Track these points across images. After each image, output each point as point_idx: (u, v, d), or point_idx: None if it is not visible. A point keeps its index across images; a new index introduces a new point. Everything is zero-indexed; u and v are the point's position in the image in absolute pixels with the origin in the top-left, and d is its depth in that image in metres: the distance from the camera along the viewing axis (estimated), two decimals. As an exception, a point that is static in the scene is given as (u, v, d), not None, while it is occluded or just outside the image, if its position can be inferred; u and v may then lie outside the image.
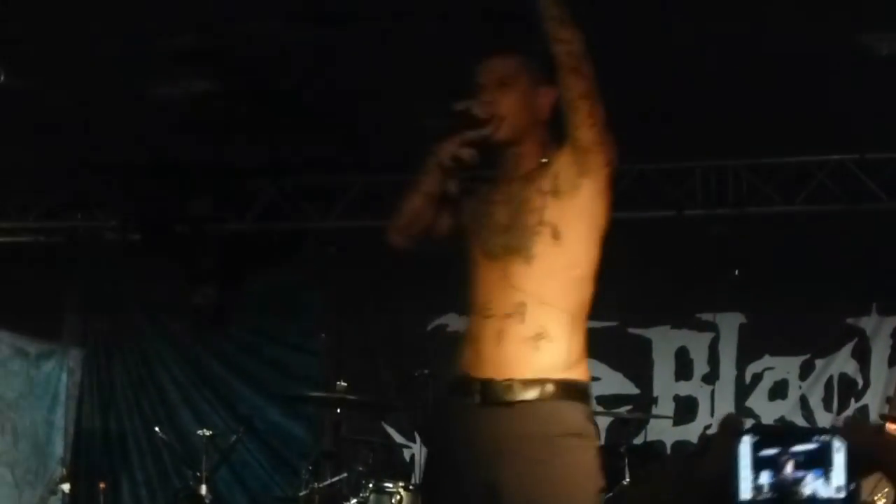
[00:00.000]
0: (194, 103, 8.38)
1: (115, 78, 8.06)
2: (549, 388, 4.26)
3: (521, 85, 4.52)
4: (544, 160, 4.44)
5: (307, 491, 8.12)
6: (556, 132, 4.41)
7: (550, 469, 4.20)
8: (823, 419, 8.81)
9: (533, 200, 4.40)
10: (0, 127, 8.63)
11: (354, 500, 7.78)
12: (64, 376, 9.97)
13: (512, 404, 4.32)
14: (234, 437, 9.22)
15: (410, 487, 7.82)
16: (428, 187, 4.47)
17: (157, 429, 9.56)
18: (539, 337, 4.34)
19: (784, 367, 9.07)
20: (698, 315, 9.30)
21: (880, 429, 7.42)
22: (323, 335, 9.67)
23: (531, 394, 4.25)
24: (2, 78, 8.00)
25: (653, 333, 9.45)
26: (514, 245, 4.43)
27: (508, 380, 4.30)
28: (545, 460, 4.21)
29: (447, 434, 4.60)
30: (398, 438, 9.44)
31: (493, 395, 4.35)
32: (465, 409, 4.41)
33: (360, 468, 8.22)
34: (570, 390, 4.30)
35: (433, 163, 4.41)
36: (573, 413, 4.25)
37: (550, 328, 4.32)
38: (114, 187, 9.91)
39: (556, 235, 4.35)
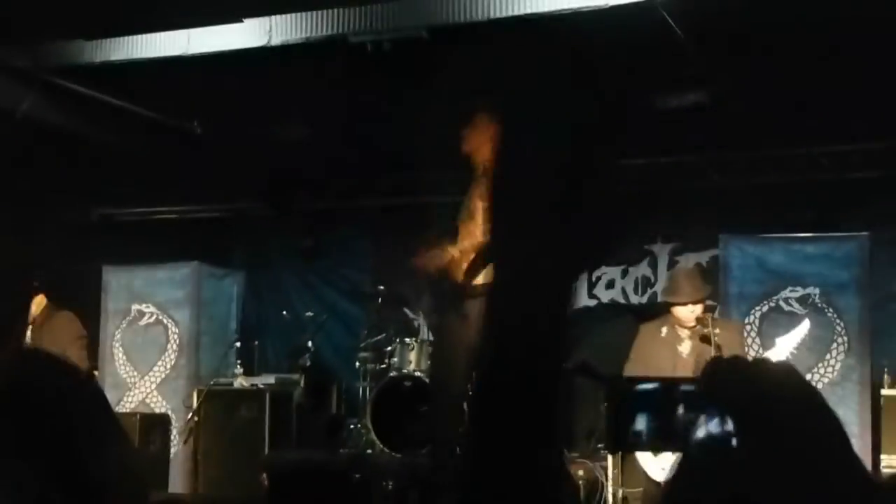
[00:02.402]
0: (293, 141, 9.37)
1: (253, 126, 9.07)
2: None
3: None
4: None
5: (364, 343, 9.29)
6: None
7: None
8: (634, 299, 9.78)
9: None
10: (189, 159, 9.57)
11: (389, 348, 8.88)
12: (235, 287, 10.52)
13: (476, 297, 5.60)
14: (324, 317, 10.12)
15: (418, 341, 8.81)
16: None
17: (284, 312, 10.41)
18: None
19: (612, 272, 9.88)
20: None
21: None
22: (371, 261, 10.53)
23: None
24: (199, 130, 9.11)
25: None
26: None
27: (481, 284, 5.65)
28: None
29: (445, 316, 6.21)
30: (412, 315, 10.12)
31: (470, 292, 5.69)
32: (456, 300, 5.83)
33: (392, 331, 9.24)
34: None
35: None
36: None
37: None
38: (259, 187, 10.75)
39: None
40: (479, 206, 5.71)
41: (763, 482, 1.71)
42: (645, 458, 7.26)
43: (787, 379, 1.85)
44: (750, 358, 2.00)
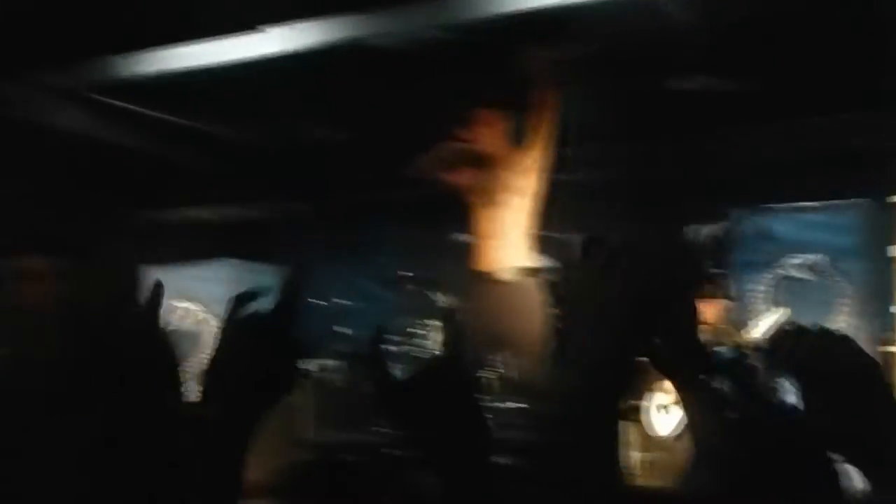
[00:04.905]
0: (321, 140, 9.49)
1: (283, 129, 9.26)
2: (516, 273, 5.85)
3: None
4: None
5: (395, 328, 8.71)
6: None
7: (521, 307, 5.69)
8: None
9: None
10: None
11: (411, 330, 8.64)
12: (274, 282, 10.30)
13: (496, 283, 5.94)
14: (359, 305, 10.12)
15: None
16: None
17: (321, 302, 9.83)
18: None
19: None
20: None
21: None
22: (398, 249, 10.39)
23: (510, 274, 5.87)
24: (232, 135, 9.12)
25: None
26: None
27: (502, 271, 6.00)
28: (521, 304, 5.64)
29: (474, 297, 6.20)
30: (435, 299, 9.22)
31: (493, 277, 5.95)
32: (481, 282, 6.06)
33: (419, 314, 8.88)
34: (528, 270, 5.85)
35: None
36: (530, 282, 5.77)
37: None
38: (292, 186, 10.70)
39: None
40: (504, 196, 5.82)
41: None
42: (654, 417, 7.36)
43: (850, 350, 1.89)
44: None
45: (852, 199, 8.12)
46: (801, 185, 8.53)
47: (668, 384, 6.53)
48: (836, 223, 8.06)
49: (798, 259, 8.12)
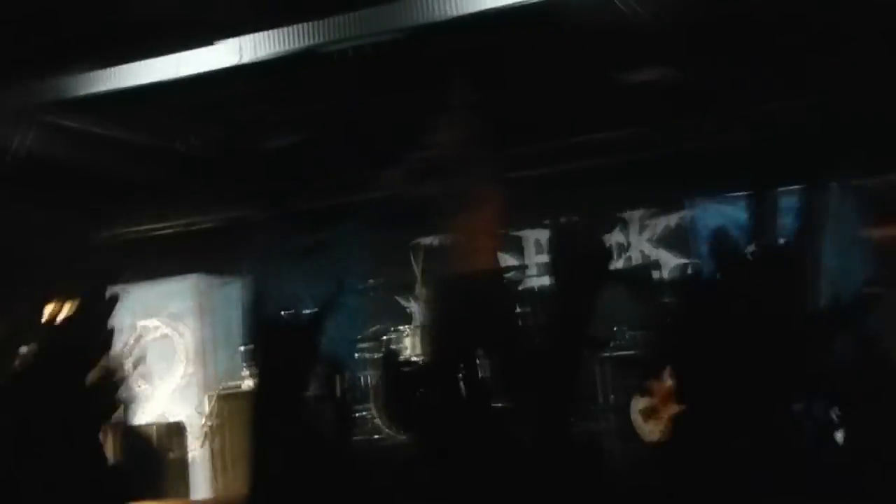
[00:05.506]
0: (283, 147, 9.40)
1: (244, 137, 9.14)
2: (489, 273, 5.78)
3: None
4: None
5: (363, 335, 9.26)
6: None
7: (493, 305, 5.76)
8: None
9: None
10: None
11: (385, 337, 8.90)
12: (239, 292, 9.65)
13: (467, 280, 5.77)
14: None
15: (412, 328, 8.79)
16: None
17: (287, 311, 10.51)
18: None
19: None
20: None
21: None
22: (366, 255, 10.17)
23: (482, 276, 5.78)
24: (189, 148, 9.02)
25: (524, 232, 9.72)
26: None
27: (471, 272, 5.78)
28: (492, 303, 5.71)
29: (443, 296, 6.13)
30: (404, 304, 9.88)
31: (466, 276, 5.80)
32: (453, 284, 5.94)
33: (388, 320, 9.22)
34: (498, 271, 5.94)
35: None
36: (499, 281, 5.90)
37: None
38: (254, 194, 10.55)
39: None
40: (472, 198, 5.77)
41: None
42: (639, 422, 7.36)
43: None
44: None
45: (816, 183, 7.97)
46: (763, 170, 8.17)
47: (655, 389, 6.93)
48: (799, 207, 7.89)
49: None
